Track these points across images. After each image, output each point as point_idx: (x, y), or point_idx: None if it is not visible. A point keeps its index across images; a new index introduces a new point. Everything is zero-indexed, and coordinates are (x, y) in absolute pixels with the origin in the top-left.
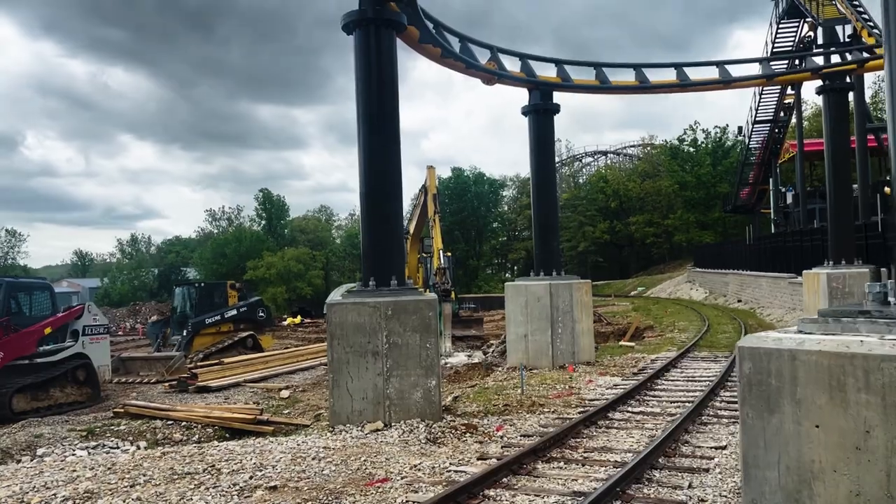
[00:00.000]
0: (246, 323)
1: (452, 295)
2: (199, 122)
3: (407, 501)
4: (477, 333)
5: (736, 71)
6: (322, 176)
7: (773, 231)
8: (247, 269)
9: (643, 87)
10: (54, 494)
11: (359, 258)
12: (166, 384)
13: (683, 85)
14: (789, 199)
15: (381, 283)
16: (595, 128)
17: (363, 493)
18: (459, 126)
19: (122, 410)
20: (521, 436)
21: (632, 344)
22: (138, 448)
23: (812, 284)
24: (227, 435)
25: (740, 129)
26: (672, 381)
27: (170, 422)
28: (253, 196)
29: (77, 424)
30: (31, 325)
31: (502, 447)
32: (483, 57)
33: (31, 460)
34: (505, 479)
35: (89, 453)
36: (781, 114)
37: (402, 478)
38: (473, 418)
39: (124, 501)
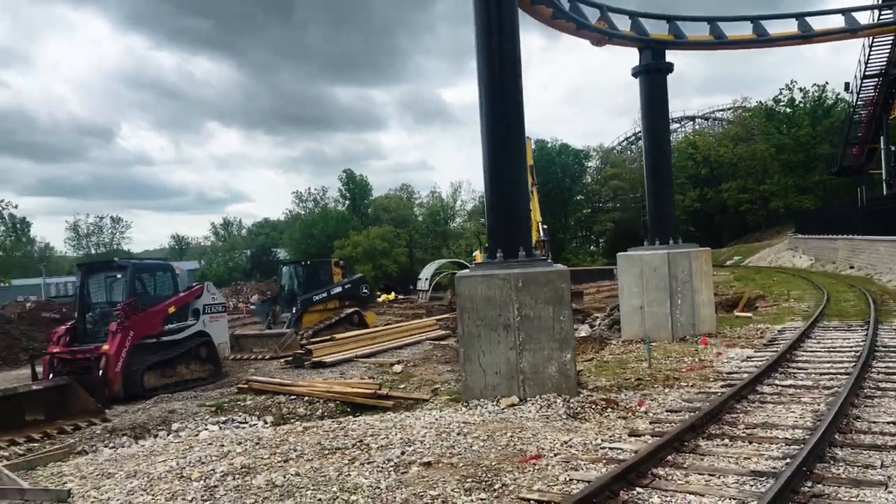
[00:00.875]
0: (350, 299)
1: None
2: (280, 107)
3: (570, 479)
4: (577, 307)
5: (864, 18)
6: (400, 155)
7: (885, 192)
8: (334, 249)
9: (762, 39)
10: (212, 470)
11: (441, 235)
12: (282, 360)
13: (806, 36)
14: None
15: (508, 254)
16: (679, 93)
17: (521, 471)
18: (537, 100)
19: (245, 386)
20: (666, 411)
21: (748, 314)
22: (265, 423)
23: None
24: (347, 409)
25: (847, 84)
26: (812, 352)
27: (292, 396)
28: (337, 177)
29: (205, 400)
30: (155, 304)
31: (650, 423)
32: (592, 17)
33: (168, 434)
34: (670, 458)
35: (220, 427)
36: (894, 67)
37: (555, 454)
38: (609, 393)
39: (284, 476)
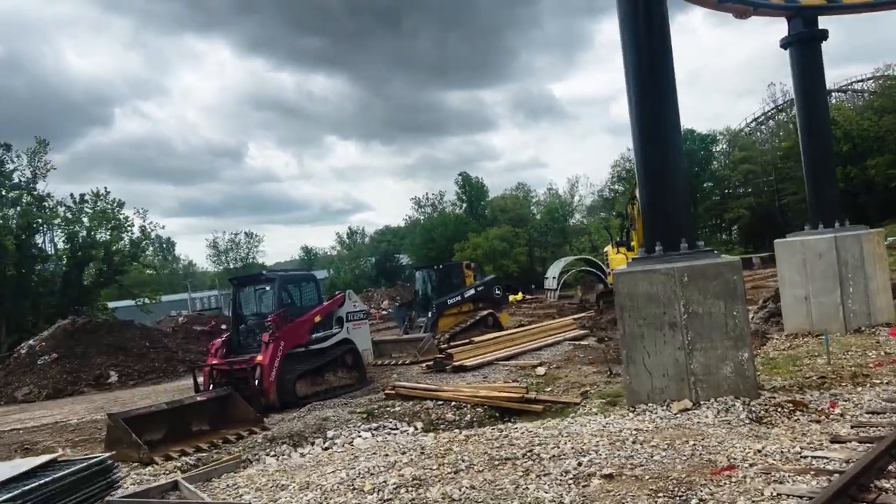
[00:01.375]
0: (484, 301)
1: None
2: (394, 117)
3: (777, 494)
4: None
5: None
6: (513, 154)
7: None
8: (454, 252)
9: None
10: (384, 482)
11: (560, 232)
12: (423, 365)
13: None
14: None
15: (668, 247)
16: None
17: (715, 484)
18: None
19: (392, 392)
20: (867, 413)
21: None
22: (415, 429)
23: None
24: (496, 414)
25: None
26: None
27: (439, 402)
28: (453, 181)
29: (355, 407)
30: (302, 314)
31: (852, 427)
32: None
33: (324, 442)
34: (891, 468)
35: (372, 434)
36: None
37: (749, 465)
38: (791, 393)
39: (459, 489)
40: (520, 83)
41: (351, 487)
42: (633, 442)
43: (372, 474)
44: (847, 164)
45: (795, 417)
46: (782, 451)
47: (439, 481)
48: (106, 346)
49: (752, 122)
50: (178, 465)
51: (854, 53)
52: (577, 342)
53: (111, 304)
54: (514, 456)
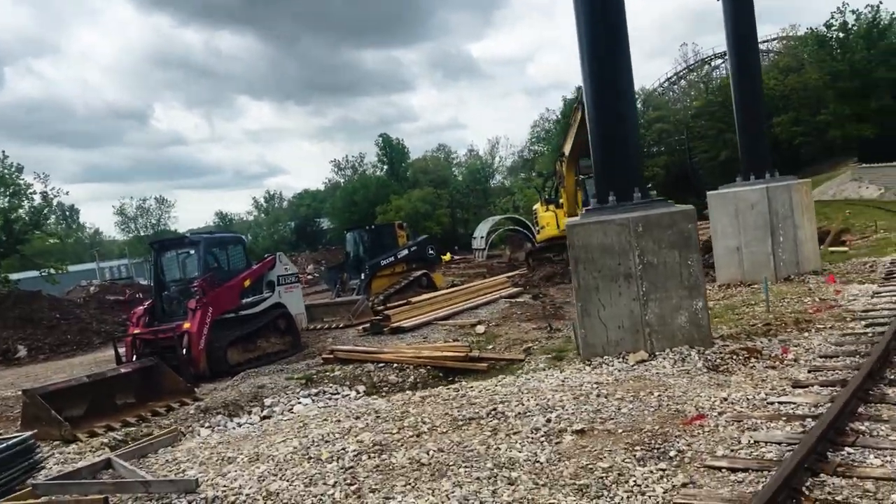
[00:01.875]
0: (417, 262)
1: None
2: (308, 77)
3: (755, 442)
4: None
5: None
6: (432, 115)
7: None
8: (377, 214)
9: None
10: (343, 449)
11: (483, 193)
12: (359, 328)
13: None
14: None
15: (621, 197)
16: (716, 29)
17: (690, 434)
18: (569, 45)
19: (330, 356)
20: (819, 357)
21: (843, 249)
22: (357, 392)
23: None
24: (440, 374)
25: None
26: None
27: (380, 364)
28: (372, 143)
29: (292, 373)
30: (230, 278)
31: (809, 372)
32: None
33: (262, 410)
34: (861, 410)
35: (313, 400)
36: None
37: (718, 413)
38: (742, 341)
39: (427, 453)
40: (436, 42)
41: (306, 457)
42: (598, 396)
43: (327, 441)
44: None
45: (751, 364)
46: (748, 398)
47: (402, 445)
48: (12, 320)
49: (664, 81)
50: (105, 441)
51: (762, 13)
52: (512, 300)
53: (13, 276)
54: (477, 415)
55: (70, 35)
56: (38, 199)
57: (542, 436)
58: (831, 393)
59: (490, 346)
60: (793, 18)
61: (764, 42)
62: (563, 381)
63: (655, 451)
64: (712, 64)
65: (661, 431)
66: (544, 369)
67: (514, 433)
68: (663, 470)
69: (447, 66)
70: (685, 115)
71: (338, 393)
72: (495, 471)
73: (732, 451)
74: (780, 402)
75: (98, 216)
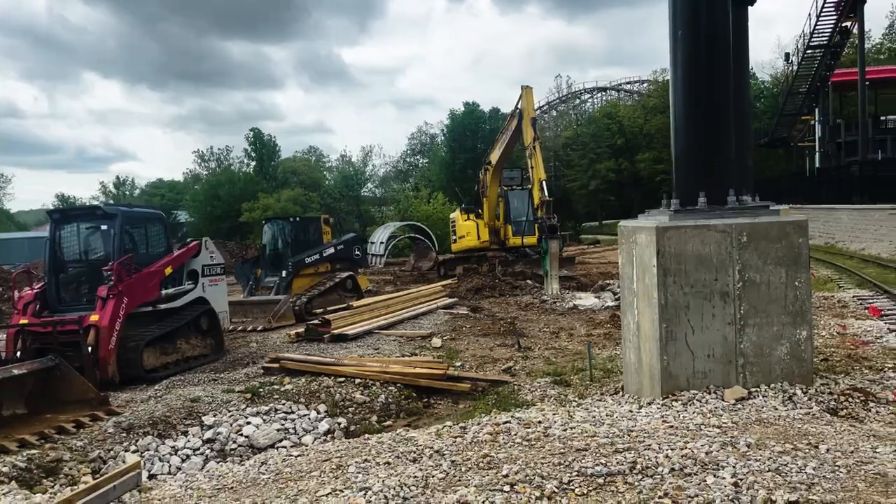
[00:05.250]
0: (343, 262)
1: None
2: (167, 61)
3: None
4: (569, 273)
5: None
6: (297, 116)
7: (817, 164)
8: (242, 212)
9: None
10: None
11: (355, 200)
12: (292, 333)
13: None
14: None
15: (713, 199)
16: (577, 64)
17: None
18: (439, 63)
19: (275, 365)
20: None
21: None
22: (318, 413)
23: None
24: (413, 394)
25: (787, 55)
26: None
27: (340, 378)
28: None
29: (231, 384)
30: (149, 263)
31: None
32: None
33: (202, 430)
34: None
35: (264, 421)
36: (837, 37)
37: None
38: (843, 380)
39: None
40: (309, 42)
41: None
42: (747, 446)
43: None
44: (619, 157)
45: (874, 409)
46: None
47: None
48: None
49: (536, 109)
50: (3, 468)
51: (616, 58)
52: (450, 311)
53: None
54: (616, 470)
55: None
56: None
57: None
58: None
59: (458, 364)
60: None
61: (629, 83)
62: (667, 422)
63: None
64: (581, 97)
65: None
66: (576, 400)
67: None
68: None
69: (317, 69)
70: (555, 142)
71: (293, 412)
72: None
73: None
74: None
75: None
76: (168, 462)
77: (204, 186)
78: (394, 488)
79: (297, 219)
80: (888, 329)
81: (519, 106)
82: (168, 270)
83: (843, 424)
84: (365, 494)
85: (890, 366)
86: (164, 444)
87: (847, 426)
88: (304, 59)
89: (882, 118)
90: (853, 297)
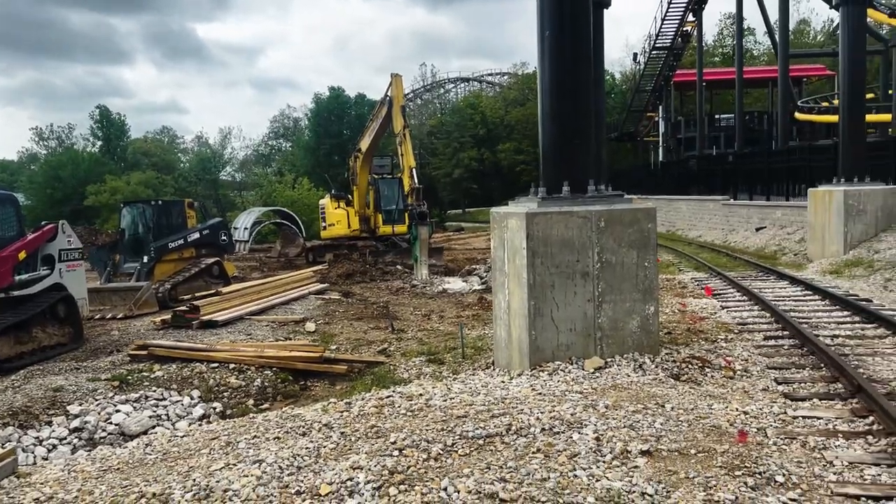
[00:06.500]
0: (208, 247)
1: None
2: None
3: (851, 463)
4: (436, 263)
5: None
6: (148, 94)
7: (661, 158)
8: (87, 195)
9: None
10: (355, 480)
11: (213, 184)
12: (157, 320)
13: None
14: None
15: (576, 188)
16: (441, 52)
17: (767, 455)
18: (300, 44)
19: (142, 352)
20: (768, 368)
21: None
22: (192, 399)
23: (822, 202)
24: (290, 378)
25: (636, 55)
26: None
27: (213, 364)
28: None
29: (96, 372)
30: (1, 248)
31: (779, 383)
32: None
33: (67, 419)
34: None
35: (135, 408)
36: (679, 40)
37: (757, 429)
38: (683, 349)
39: (457, 490)
40: (160, 15)
41: (296, 492)
42: (606, 407)
43: (300, 468)
44: (482, 146)
45: (709, 374)
46: (768, 413)
47: (420, 480)
48: None
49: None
50: None
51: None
52: (321, 296)
53: None
54: (494, 432)
55: None
56: None
57: (606, 457)
58: (846, 405)
59: (333, 347)
60: (524, 57)
61: (491, 75)
62: (535, 389)
63: (757, 475)
64: (445, 87)
65: (733, 451)
66: (451, 375)
67: (574, 456)
68: (795, 500)
69: (169, 44)
70: (420, 130)
71: (165, 399)
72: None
73: (839, 474)
74: (808, 416)
75: None
76: (33, 453)
77: (43, 167)
78: (287, 458)
79: (160, 202)
80: (720, 306)
81: (389, 93)
82: (21, 255)
83: (684, 387)
84: (259, 466)
85: (722, 337)
86: (26, 434)
87: (688, 388)
88: (155, 32)
89: (717, 116)
90: (691, 278)
